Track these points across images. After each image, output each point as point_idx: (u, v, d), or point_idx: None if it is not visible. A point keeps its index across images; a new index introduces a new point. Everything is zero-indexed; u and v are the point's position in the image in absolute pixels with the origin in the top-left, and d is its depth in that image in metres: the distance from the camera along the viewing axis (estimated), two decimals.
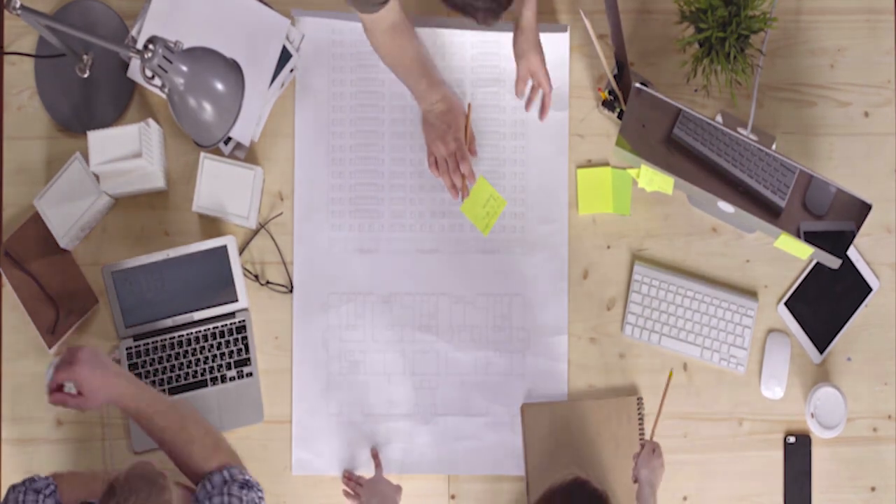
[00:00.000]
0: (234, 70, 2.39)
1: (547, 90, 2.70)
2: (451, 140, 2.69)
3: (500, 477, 2.69)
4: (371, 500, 2.57)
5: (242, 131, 2.67)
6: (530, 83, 2.73)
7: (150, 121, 2.66)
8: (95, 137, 2.61)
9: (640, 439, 2.65)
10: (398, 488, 2.61)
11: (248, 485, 2.26)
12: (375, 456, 2.67)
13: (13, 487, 2.24)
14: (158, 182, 2.69)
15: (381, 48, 2.66)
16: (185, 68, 2.33)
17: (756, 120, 2.72)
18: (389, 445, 2.69)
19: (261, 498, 2.27)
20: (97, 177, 2.66)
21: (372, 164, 2.75)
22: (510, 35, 2.75)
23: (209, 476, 2.27)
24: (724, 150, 2.42)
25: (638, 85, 2.42)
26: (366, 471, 2.68)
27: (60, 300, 2.70)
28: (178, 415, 2.35)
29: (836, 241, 2.42)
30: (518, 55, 2.70)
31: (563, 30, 2.77)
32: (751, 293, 2.71)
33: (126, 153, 2.60)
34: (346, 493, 2.67)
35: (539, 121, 2.74)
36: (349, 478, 2.67)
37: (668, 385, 2.62)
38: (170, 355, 2.69)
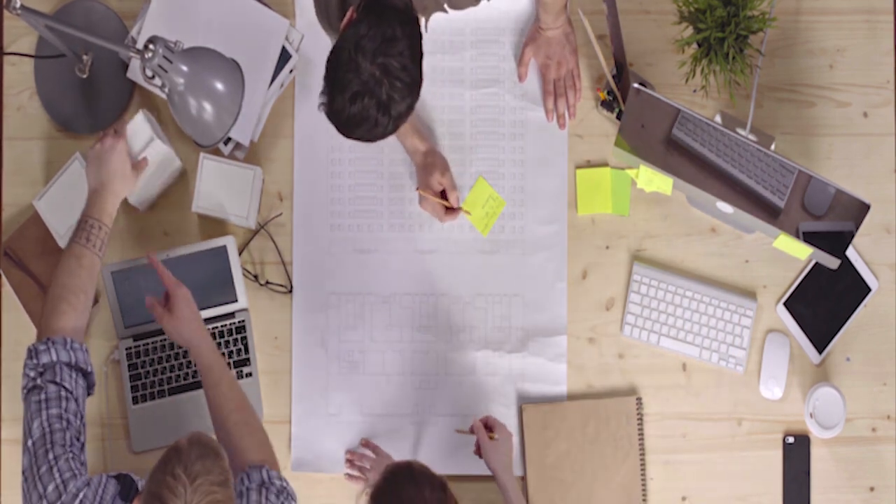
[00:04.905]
0: (234, 70, 2.39)
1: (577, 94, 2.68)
2: (428, 207, 2.67)
3: None
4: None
5: (242, 131, 2.68)
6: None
7: (144, 110, 2.63)
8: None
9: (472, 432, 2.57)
10: None
11: (285, 492, 2.27)
12: (368, 444, 2.65)
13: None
14: (175, 163, 2.67)
15: None
16: (185, 68, 2.33)
17: (755, 120, 2.72)
18: (388, 446, 2.69)
19: None
20: None
21: (371, 164, 2.75)
22: (509, 35, 2.74)
23: (249, 471, 2.28)
24: (723, 151, 2.42)
25: (637, 85, 2.42)
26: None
27: None
28: (242, 393, 2.42)
29: (835, 242, 2.42)
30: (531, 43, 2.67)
31: None
32: (750, 293, 2.71)
33: (141, 143, 2.59)
34: (350, 476, 2.64)
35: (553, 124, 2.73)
36: (351, 460, 2.64)
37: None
38: (169, 355, 2.69)
